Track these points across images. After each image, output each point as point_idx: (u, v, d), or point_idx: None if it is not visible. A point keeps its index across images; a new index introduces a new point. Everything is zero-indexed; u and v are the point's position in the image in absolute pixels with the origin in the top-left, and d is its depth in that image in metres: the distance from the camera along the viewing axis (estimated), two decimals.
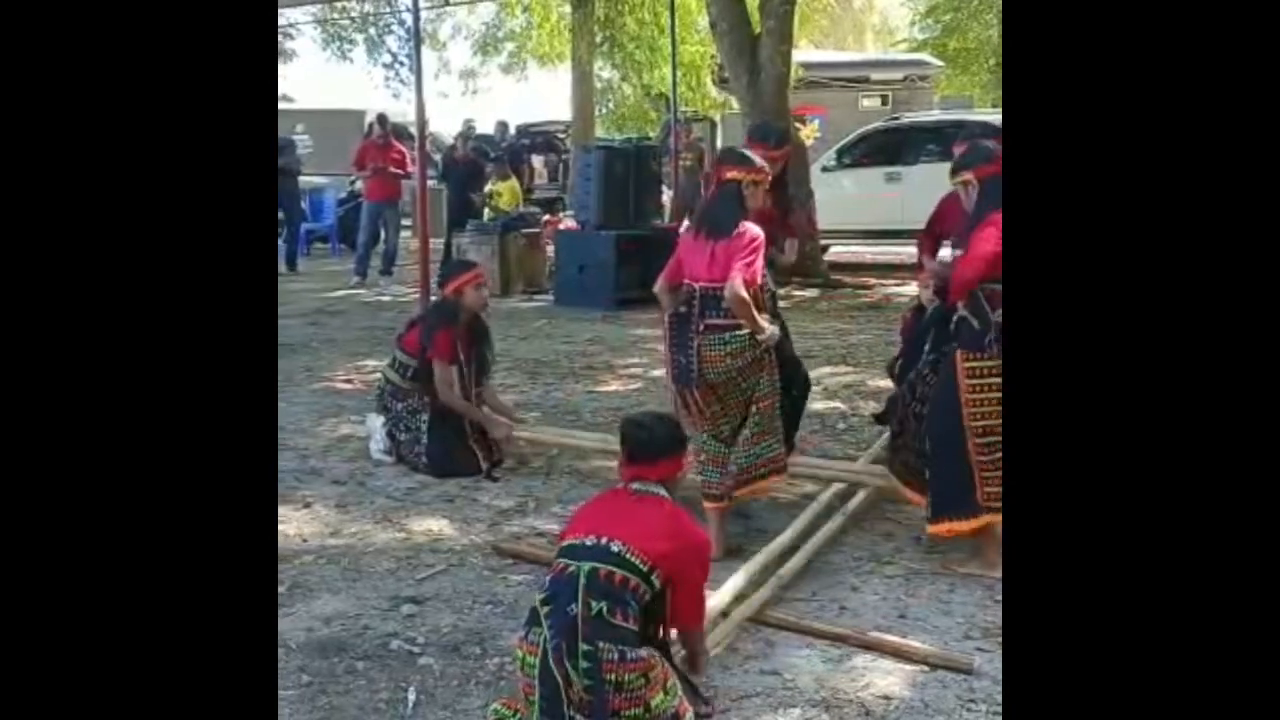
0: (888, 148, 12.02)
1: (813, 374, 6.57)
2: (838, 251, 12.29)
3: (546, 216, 12.48)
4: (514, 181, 12.00)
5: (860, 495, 4.10)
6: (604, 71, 19.00)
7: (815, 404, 5.84)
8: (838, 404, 5.95)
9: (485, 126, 16.73)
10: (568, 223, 11.55)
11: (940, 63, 20.51)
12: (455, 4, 13.74)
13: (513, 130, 17.73)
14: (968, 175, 3.66)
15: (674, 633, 2.67)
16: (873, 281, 10.88)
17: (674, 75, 11.32)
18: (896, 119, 13.17)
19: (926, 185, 11.34)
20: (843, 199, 11.59)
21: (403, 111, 16.06)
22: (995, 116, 12.48)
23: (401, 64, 19.78)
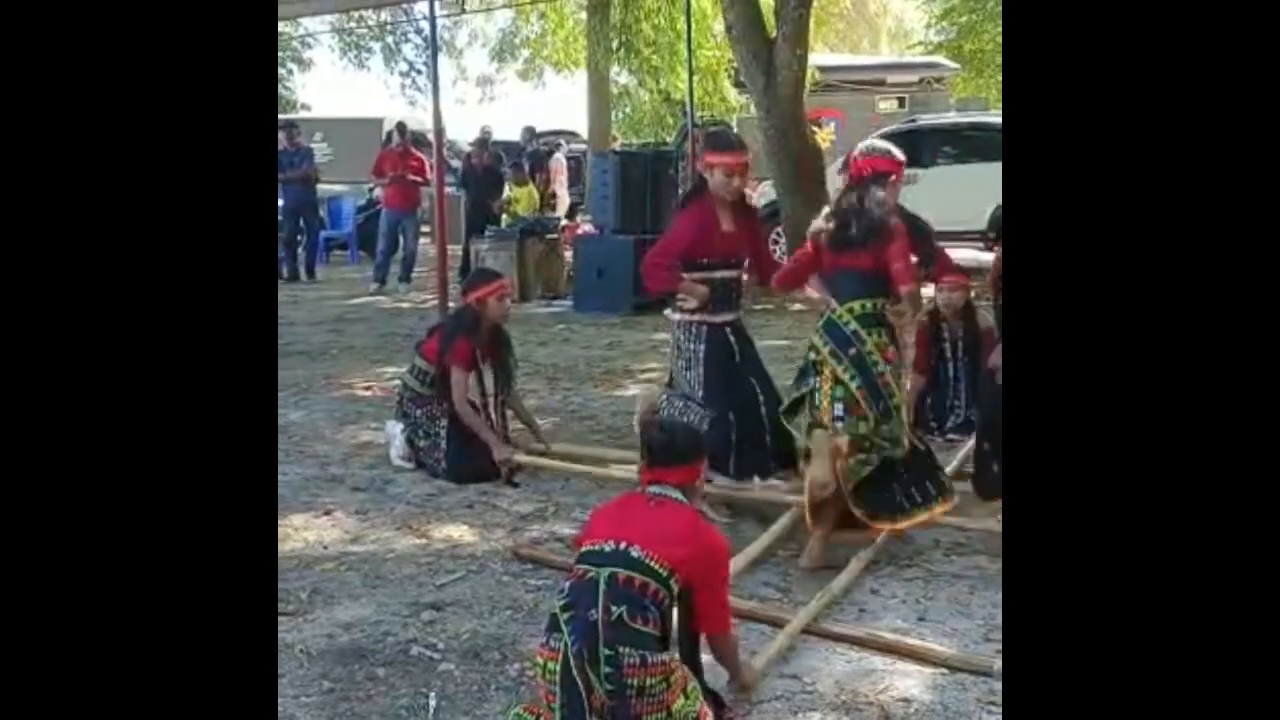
0: (904, 150, 11.94)
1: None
2: None
3: (565, 222, 12.51)
4: (531, 187, 12.05)
5: None
6: (620, 77, 19.03)
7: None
8: None
9: (502, 133, 16.79)
10: (586, 228, 11.58)
11: (956, 65, 20.44)
12: (471, 11, 13.80)
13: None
14: None
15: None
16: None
17: (690, 80, 11.32)
18: (913, 121, 13.15)
19: (943, 187, 11.37)
20: None
21: (419, 119, 16.15)
22: None
23: (418, 72, 19.96)
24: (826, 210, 3.82)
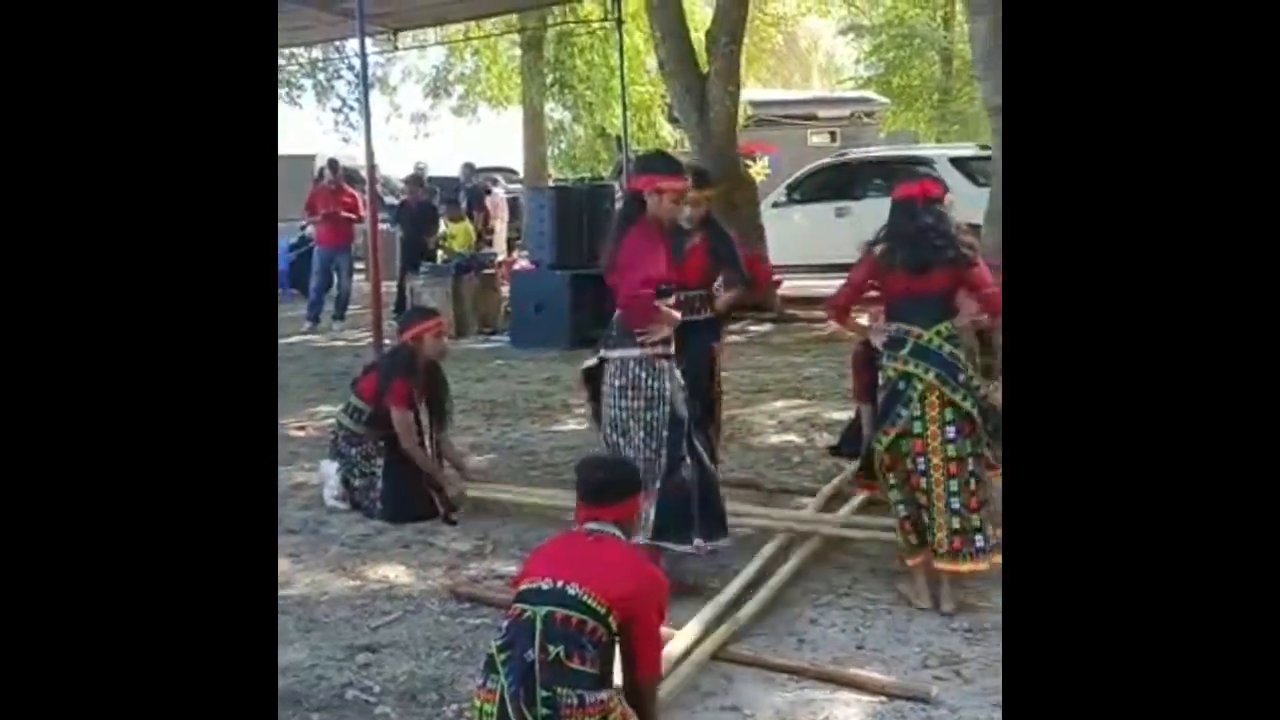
0: (836, 183, 12.21)
1: (767, 408, 6.65)
2: (790, 286, 12.40)
3: (501, 257, 12.48)
4: (467, 223, 12.02)
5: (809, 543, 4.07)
6: (555, 112, 19.13)
7: (770, 438, 5.90)
8: (793, 437, 5.99)
9: (438, 169, 16.72)
10: (522, 263, 11.57)
11: (885, 99, 20.90)
12: (404, 49, 13.83)
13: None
14: None
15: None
16: (825, 315, 10.96)
17: (624, 116, 11.44)
18: (844, 155, 13.39)
19: (875, 219, 11.51)
20: (794, 234, 11.74)
21: (353, 155, 16.04)
22: (939, 151, 12.74)
23: (351, 108, 19.79)
24: (882, 233, 3.72)
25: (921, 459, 3.55)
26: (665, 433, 3.68)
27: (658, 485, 3.63)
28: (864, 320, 4.39)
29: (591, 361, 3.80)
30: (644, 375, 3.70)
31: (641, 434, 3.67)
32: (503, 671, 2.37)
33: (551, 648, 2.36)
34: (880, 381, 3.67)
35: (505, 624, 2.49)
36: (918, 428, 3.56)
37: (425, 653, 3.31)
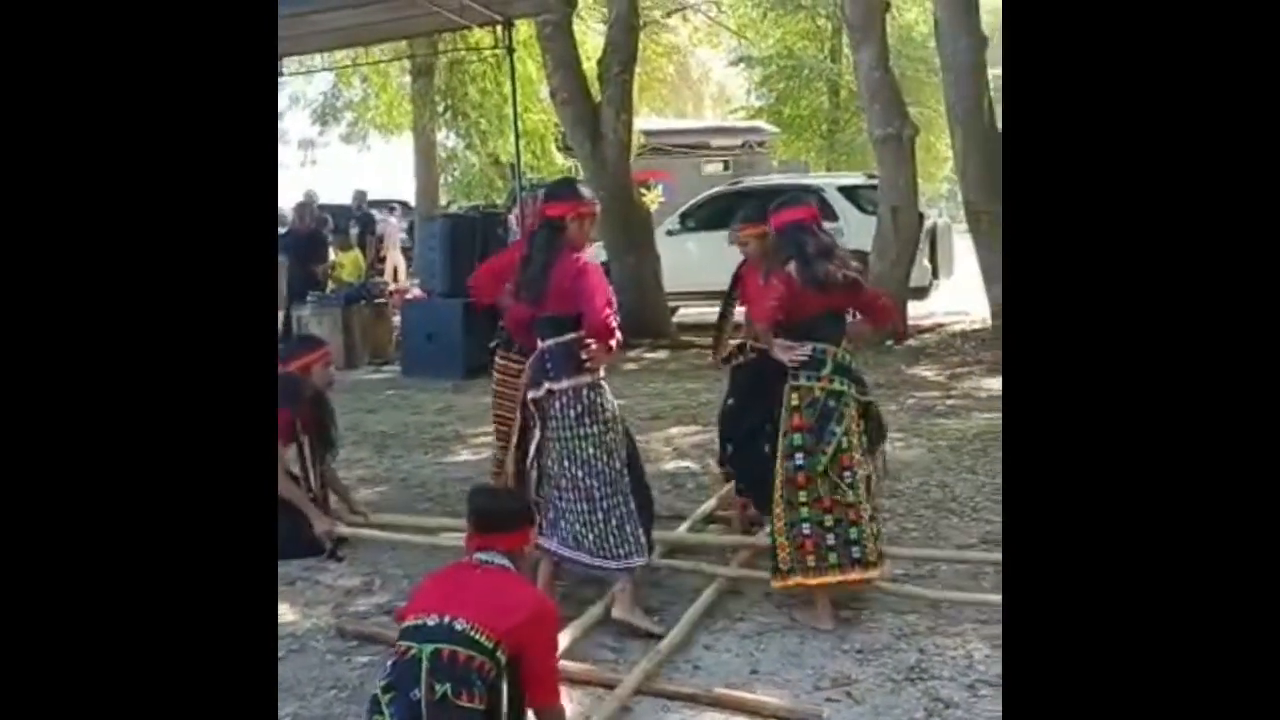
0: (729, 211, 12.33)
1: (663, 433, 6.66)
2: (685, 313, 12.51)
3: (392, 286, 12.30)
4: (357, 252, 11.82)
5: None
6: (448, 140, 18.99)
7: (666, 464, 5.90)
8: (688, 463, 6.00)
9: (328, 196, 16.42)
10: (414, 292, 11.42)
11: (776, 129, 21.30)
12: (290, 74, 13.55)
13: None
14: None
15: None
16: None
17: (518, 144, 11.41)
18: (738, 183, 13.59)
19: None
20: (688, 261, 11.83)
21: None
22: (828, 180, 13.02)
23: None
24: (784, 251, 3.75)
25: (848, 473, 3.60)
26: (624, 451, 3.72)
27: (631, 501, 3.66)
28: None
29: (539, 393, 3.66)
30: (598, 400, 3.68)
31: (603, 457, 3.63)
32: (388, 712, 2.31)
33: (438, 686, 2.30)
34: (795, 401, 3.65)
35: (390, 663, 2.42)
36: (845, 443, 3.62)
37: (310, 693, 3.20)
